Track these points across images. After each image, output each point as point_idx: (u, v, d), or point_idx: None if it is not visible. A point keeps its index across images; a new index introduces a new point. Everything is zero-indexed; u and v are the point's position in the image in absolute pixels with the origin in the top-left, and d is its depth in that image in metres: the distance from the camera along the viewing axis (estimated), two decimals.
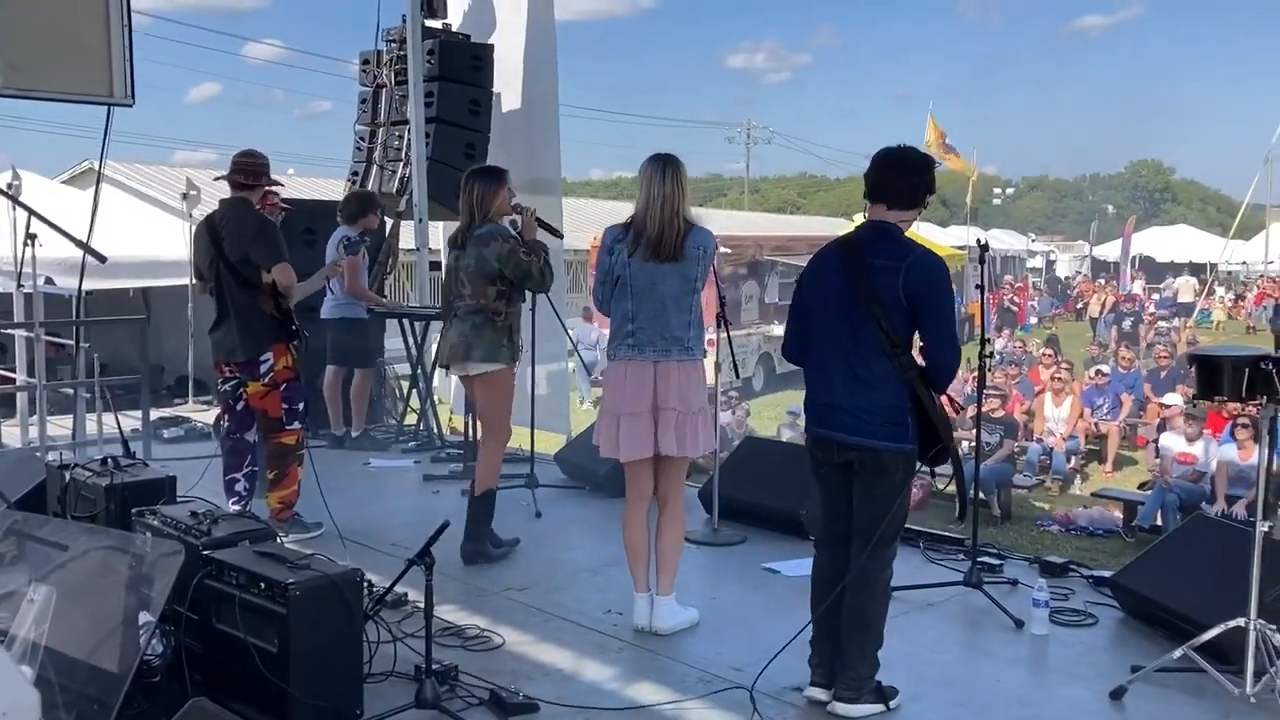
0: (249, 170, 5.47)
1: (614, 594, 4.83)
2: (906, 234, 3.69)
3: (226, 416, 5.61)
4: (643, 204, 4.17)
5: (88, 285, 6.69)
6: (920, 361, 3.58)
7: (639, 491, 4.42)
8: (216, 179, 5.90)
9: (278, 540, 4.04)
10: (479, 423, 5.43)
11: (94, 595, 2.75)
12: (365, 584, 3.67)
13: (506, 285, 5.14)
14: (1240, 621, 3.63)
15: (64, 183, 16.62)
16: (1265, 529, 3.57)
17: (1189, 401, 11.58)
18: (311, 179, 22.94)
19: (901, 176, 3.65)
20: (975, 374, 5.24)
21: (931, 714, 3.77)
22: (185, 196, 9.38)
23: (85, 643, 2.43)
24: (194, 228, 5.80)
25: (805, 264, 3.93)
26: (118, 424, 5.77)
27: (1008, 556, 5.51)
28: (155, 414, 7.78)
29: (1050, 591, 4.66)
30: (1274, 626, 3.62)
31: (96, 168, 18.48)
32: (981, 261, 5.20)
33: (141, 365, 6.95)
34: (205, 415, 8.96)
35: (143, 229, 11.04)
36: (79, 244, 4.15)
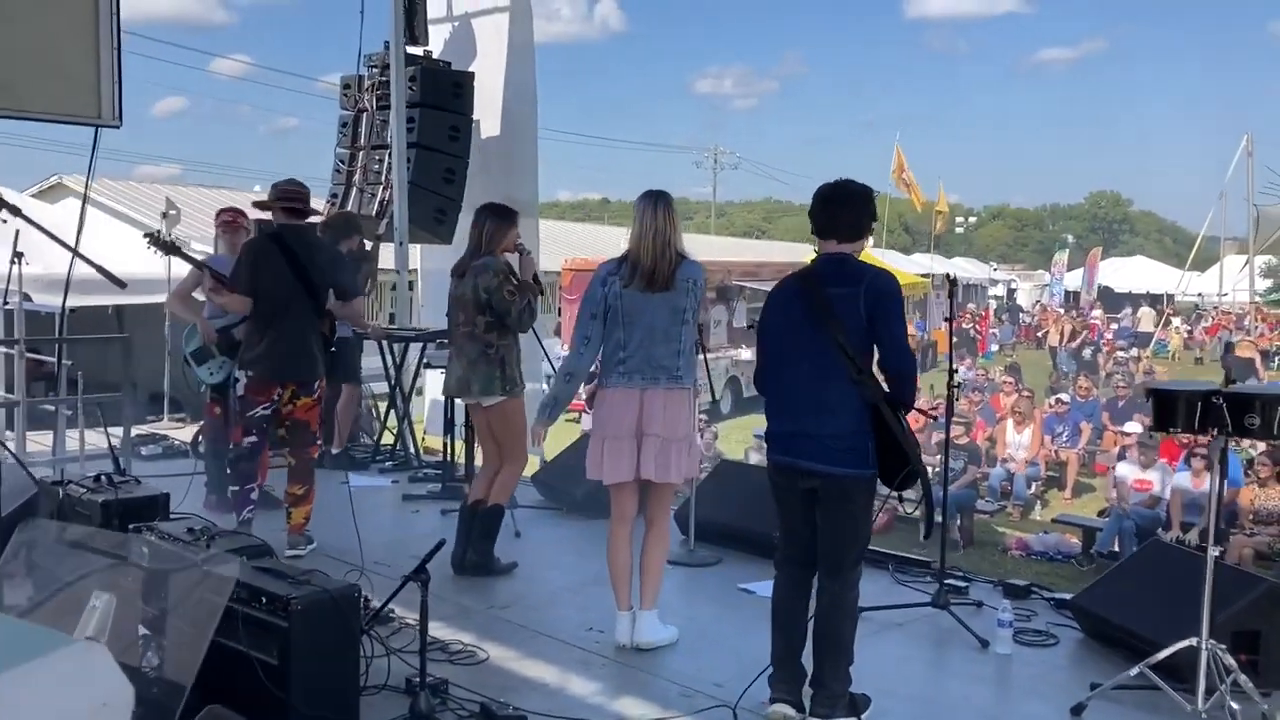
0: (303, 198, 5.71)
1: (595, 612, 4.97)
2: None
3: (252, 439, 5.66)
4: (636, 237, 4.37)
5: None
6: (883, 383, 3.71)
7: (621, 513, 4.60)
8: (256, 204, 6.02)
9: (275, 556, 4.15)
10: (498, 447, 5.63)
11: (152, 604, 2.86)
12: (364, 600, 3.79)
13: (494, 316, 5.36)
14: (1192, 641, 3.83)
15: (33, 196, 16.54)
16: (1217, 554, 3.77)
17: (1146, 431, 11.93)
18: None
19: (846, 211, 3.81)
20: (944, 401, 5.40)
21: None
22: (165, 215, 9.45)
23: (146, 649, 2.55)
24: (242, 243, 5.93)
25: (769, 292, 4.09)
26: (108, 441, 5.84)
27: (973, 579, 5.71)
28: (133, 431, 7.82)
29: (1013, 613, 4.86)
30: (1224, 646, 3.83)
31: (65, 182, 18.35)
32: (950, 295, 5.40)
33: (124, 382, 7.03)
34: (181, 433, 9.03)
35: (118, 246, 11.03)
36: (98, 268, 4.24)
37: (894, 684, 4.31)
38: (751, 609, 5.16)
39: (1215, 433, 3.71)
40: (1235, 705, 3.71)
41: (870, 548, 6.01)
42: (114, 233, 13.69)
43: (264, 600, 3.56)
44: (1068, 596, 5.30)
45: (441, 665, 4.25)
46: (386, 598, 4.07)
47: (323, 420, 5.78)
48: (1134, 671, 3.97)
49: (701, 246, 34.37)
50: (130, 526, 4.28)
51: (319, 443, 5.77)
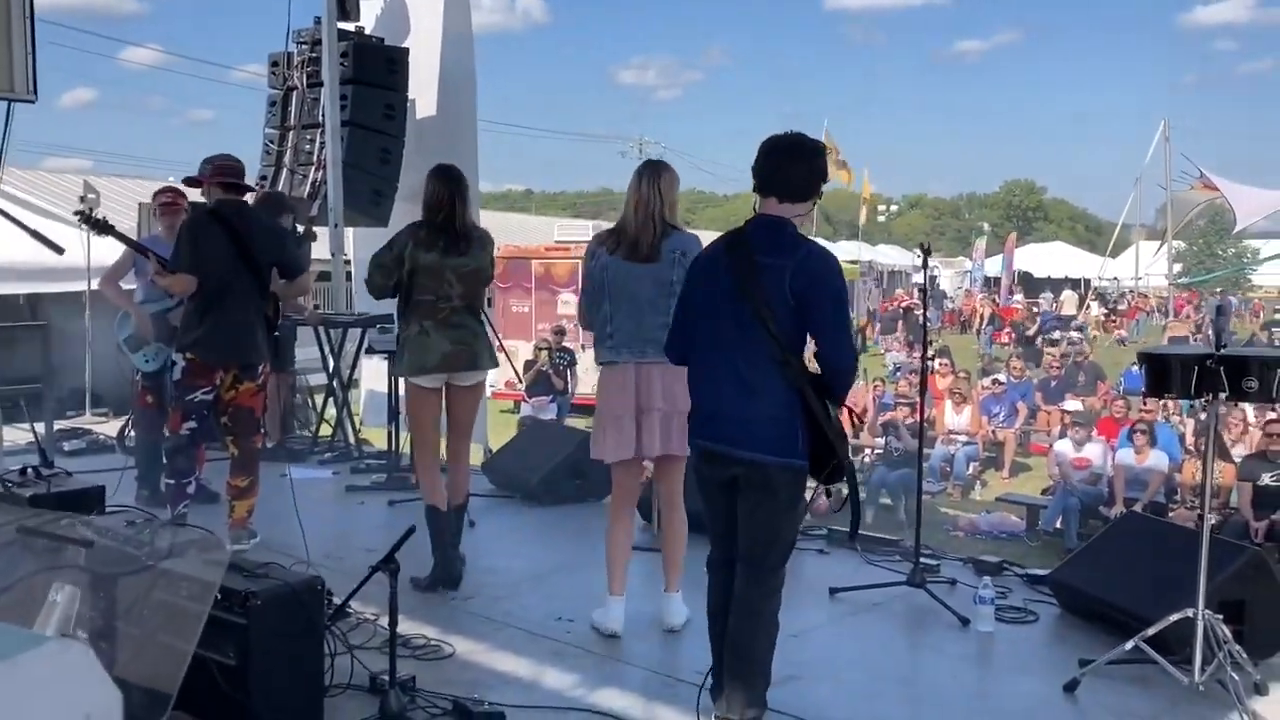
0: (239, 173, 5.38)
1: (560, 601, 4.77)
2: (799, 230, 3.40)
3: (191, 425, 5.28)
4: (628, 208, 4.18)
5: None
6: (814, 368, 3.33)
7: (623, 492, 4.42)
8: (186, 180, 5.64)
9: (224, 549, 3.86)
10: (451, 433, 5.16)
11: (127, 602, 2.58)
12: (326, 593, 3.54)
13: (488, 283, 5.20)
14: (1188, 613, 3.75)
15: None
16: (1214, 521, 3.69)
17: (1085, 409, 12.06)
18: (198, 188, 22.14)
19: (794, 164, 3.35)
20: (917, 378, 5.28)
21: (897, 711, 3.80)
22: (83, 199, 8.95)
23: (119, 653, 2.27)
24: (184, 224, 5.45)
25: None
26: (34, 433, 5.44)
27: (942, 557, 5.62)
28: (55, 425, 7.39)
29: (991, 586, 4.76)
30: (1219, 616, 3.75)
31: None
32: (925, 265, 5.26)
33: (44, 374, 6.62)
34: (105, 427, 8.58)
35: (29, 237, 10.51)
36: (33, 233, 3.89)
37: (880, 666, 4.19)
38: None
39: (1211, 397, 3.62)
40: (1235, 676, 3.63)
41: (835, 528, 5.95)
42: (31, 220, 13.08)
43: (219, 596, 3.29)
44: (1041, 572, 5.23)
45: (406, 661, 3.98)
46: (351, 590, 3.81)
47: (266, 409, 5.42)
48: (1129, 645, 3.87)
49: None
50: (63, 523, 3.98)
51: (264, 431, 5.42)
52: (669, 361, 3.75)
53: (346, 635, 3.98)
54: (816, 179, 3.40)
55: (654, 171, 4.18)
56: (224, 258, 5.16)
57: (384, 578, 3.49)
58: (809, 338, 3.32)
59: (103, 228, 5.29)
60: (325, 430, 8.40)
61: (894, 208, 70.02)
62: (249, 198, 5.78)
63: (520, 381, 12.87)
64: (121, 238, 5.53)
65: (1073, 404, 12.51)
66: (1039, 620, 4.73)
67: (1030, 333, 25.73)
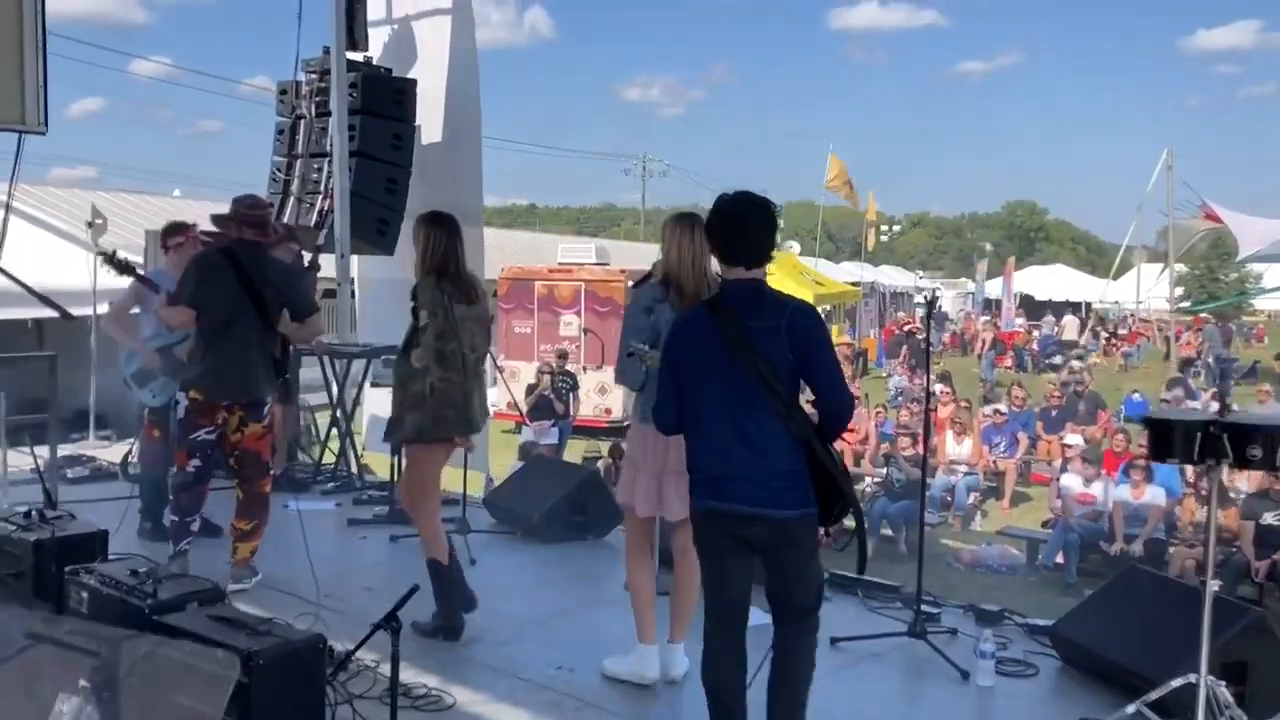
0: (264, 222, 5.40)
1: (561, 649, 4.77)
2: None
3: (196, 463, 5.26)
4: (675, 261, 4.12)
5: None
6: (812, 415, 3.45)
7: (645, 542, 4.41)
8: (214, 219, 5.58)
9: (227, 600, 3.88)
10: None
11: (133, 711, 2.58)
12: (327, 649, 3.55)
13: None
14: (1191, 678, 3.74)
15: None
16: (1216, 586, 3.69)
17: (1087, 444, 12.07)
18: (204, 201, 22.19)
19: (754, 234, 3.47)
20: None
21: None
22: (91, 225, 8.99)
23: None
24: (192, 259, 5.47)
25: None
26: (38, 471, 5.45)
27: (943, 605, 5.61)
28: (59, 452, 7.40)
29: (992, 640, 4.75)
30: (1223, 683, 3.75)
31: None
32: (929, 314, 5.28)
33: (50, 403, 6.62)
34: (108, 452, 8.59)
35: (40, 256, 10.59)
36: (45, 300, 3.92)
37: None
38: None
39: (1214, 463, 3.62)
40: None
41: (837, 572, 5.94)
42: (34, 240, 13.16)
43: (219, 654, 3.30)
44: (1041, 622, 5.22)
45: (408, 713, 3.98)
46: (352, 647, 3.81)
47: (274, 449, 5.42)
48: (1131, 710, 3.86)
49: (628, 253, 34.19)
50: (67, 569, 3.99)
51: (271, 473, 5.42)
52: None
53: (347, 684, 3.99)
54: (772, 240, 3.56)
55: (700, 225, 4.06)
56: (231, 295, 5.17)
57: (389, 635, 3.49)
58: (802, 386, 3.44)
59: (123, 268, 5.36)
60: (329, 457, 8.40)
61: (896, 227, 70.08)
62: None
63: (518, 406, 12.86)
64: (139, 278, 5.57)
65: (1074, 437, 12.48)
66: (1039, 674, 4.72)
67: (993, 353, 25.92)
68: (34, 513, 4.39)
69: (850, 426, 3.52)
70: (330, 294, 8.85)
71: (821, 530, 3.51)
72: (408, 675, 4.37)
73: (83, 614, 3.84)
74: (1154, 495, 9.94)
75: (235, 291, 5.18)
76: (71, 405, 9.89)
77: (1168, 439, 3.73)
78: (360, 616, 4.93)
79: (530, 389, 14.30)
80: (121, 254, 5.61)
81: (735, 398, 3.38)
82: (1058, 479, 11.38)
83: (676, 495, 4.15)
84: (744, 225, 3.47)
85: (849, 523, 3.57)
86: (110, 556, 4.31)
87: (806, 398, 3.47)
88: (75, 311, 9.67)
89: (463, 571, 5.09)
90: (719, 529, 3.46)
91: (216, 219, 5.51)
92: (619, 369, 4.32)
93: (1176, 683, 3.78)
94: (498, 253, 25.89)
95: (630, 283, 17.11)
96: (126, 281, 6.35)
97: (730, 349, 3.37)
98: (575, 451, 13.46)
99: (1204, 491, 10.12)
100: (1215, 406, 13.81)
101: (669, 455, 4.14)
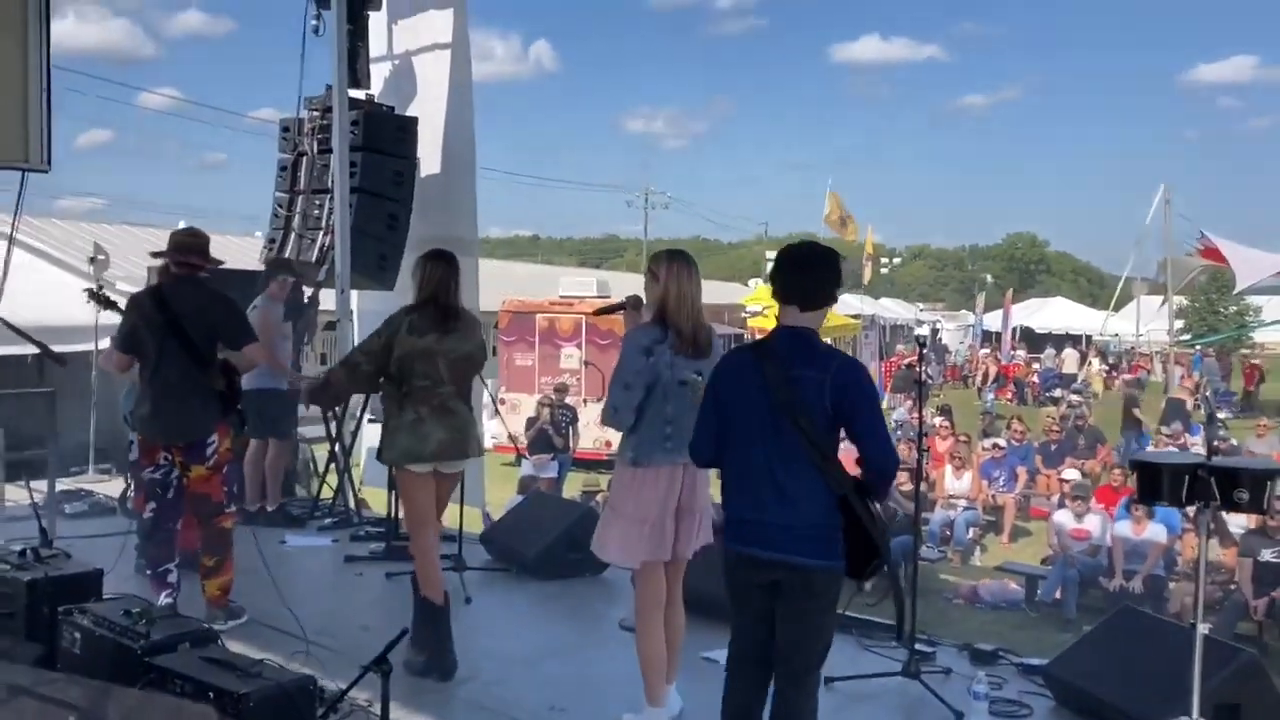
0: (198, 251, 5.32)
1: (554, 689, 4.78)
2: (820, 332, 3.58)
3: (152, 506, 5.23)
4: (674, 302, 4.10)
5: None
6: (853, 470, 3.43)
7: (656, 596, 4.31)
8: (154, 255, 5.67)
9: (219, 641, 3.89)
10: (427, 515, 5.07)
11: None
12: (318, 691, 3.56)
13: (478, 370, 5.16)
14: None
15: None
16: (1205, 630, 3.70)
17: (1082, 478, 12.05)
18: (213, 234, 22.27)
19: (810, 275, 3.53)
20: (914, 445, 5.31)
21: None
22: (93, 261, 9.05)
23: None
24: (129, 298, 5.48)
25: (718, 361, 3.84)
26: (34, 509, 5.46)
27: (938, 643, 5.60)
28: (58, 486, 7.42)
29: (986, 682, 4.75)
30: None
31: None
32: (921, 348, 5.31)
33: (49, 439, 6.65)
34: (107, 486, 8.61)
35: (43, 291, 10.66)
36: (39, 346, 3.96)
37: None
38: (720, 681, 4.95)
39: (1202, 505, 3.65)
40: None
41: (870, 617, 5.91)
42: (37, 274, 13.24)
43: (211, 695, 3.32)
44: (1036, 662, 5.22)
45: None
46: (343, 689, 3.81)
47: (229, 482, 5.43)
48: None
49: (631, 285, 34.34)
50: (60, 609, 4.00)
51: (230, 510, 5.42)
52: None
53: None
54: (831, 287, 3.57)
55: (694, 265, 4.16)
56: (158, 335, 5.14)
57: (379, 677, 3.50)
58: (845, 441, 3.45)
59: (108, 304, 5.38)
60: (326, 492, 8.41)
61: (897, 259, 70.29)
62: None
63: (515, 440, 12.88)
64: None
65: (1071, 472, 12.47)
66: (1033, 714, 4.71)
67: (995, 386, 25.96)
68: (29, 551, 4.39)
69: None
70: (331, 326, 8.92)
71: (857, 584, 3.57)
72: (399, 715, 4.38)
73: (76, 654, 3.86)
74: (1155, 532, 9.93)
75: (155, 326, 5.14)
76: (72, 439, 9.92)
77: (1156, 482, 3.76)
78: (354, 656, 4.92)
79: (530, 422, 14.32)
80: (107, 291, 5.64)
81: (772, 444, 3.42)
82: (1053, 514, 11.38)
83: (660, 539, 4.17)
84: (808, 266, 3.56)
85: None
86: (106, 595, 4.31)
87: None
88: (76, 347, 9.80)
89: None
90: (744, 572, 3.53)
91: (156, 255, 5.56)
92: (607, 409, 4.21)
93: None
94: (499, 283, 25.99)
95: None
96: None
97: (772, 395, 3.42)
98: (575, 485, 13.45)
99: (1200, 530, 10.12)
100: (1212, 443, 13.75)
101: (670, 497, 4.15)
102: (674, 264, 4.16)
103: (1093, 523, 10.43)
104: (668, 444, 4.13)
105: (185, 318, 5.16)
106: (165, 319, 5.13)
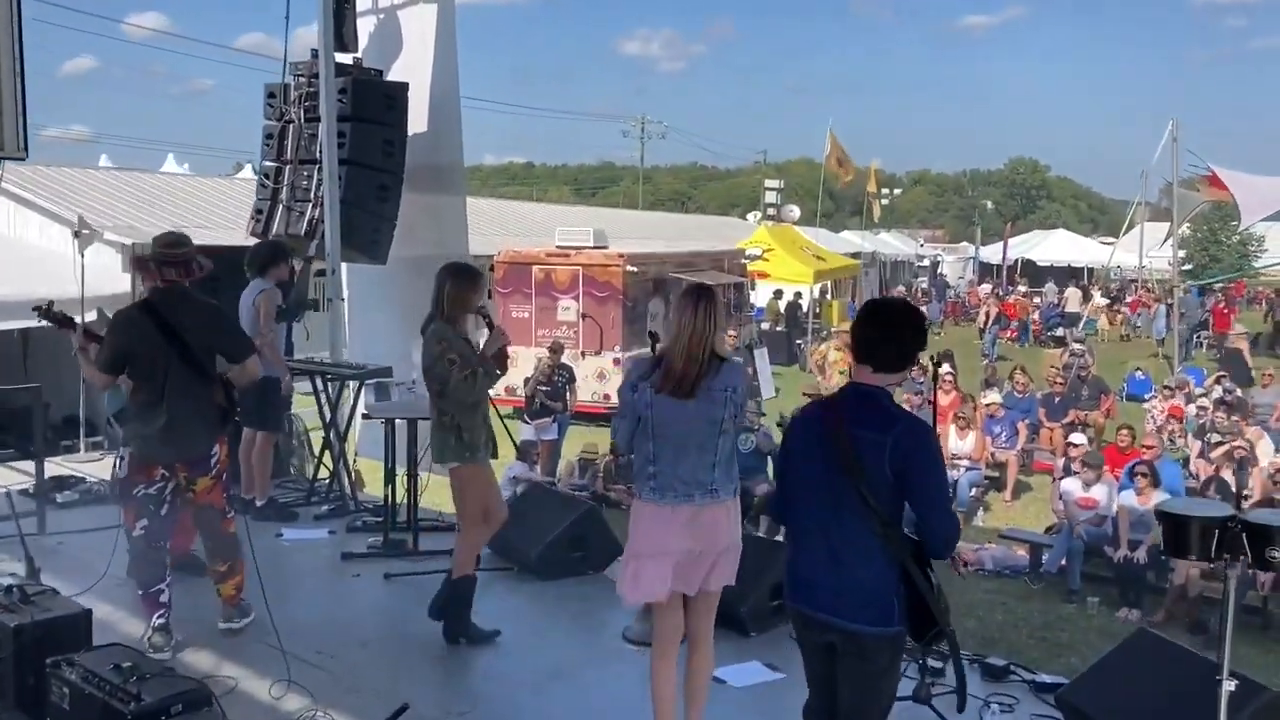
0: (182, 259, 5.07)
1: (559, 711, 4.68)
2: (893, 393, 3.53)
3: (143, 524, 5.02)
4: (671, 340, 3.98)
5: None
6: (911, 534, 3.38)
7: (665, 633, 4.20)
8: (135, 262, 5.46)
9: (213, 703, 3.76)
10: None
11: None
12: None
13: (439, 385, 5.11)
14: None
15: None
16: (1231, 688, 3.58)
17: (1090, 449, 11.93)
18: (194, 176, 21.90)
19: (892, 342, 3.44)
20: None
21: None
22: (77, 235, 8.80)
23: None
24: (112, 317, 5.27)
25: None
26: (21, 539, 5.30)
27: (948, 658, 5.49)
28: (46, 473, 7.27)
29: (997, 702, 4.67)
30: None
31: None
32: (934, 377, 5.12)
33: (37, 436, 6.48)
34: (99, 466, 8.47)
35: (29, 265, 10.43)
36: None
37: None
38: (731, 703, 4.85)
39: (1229, 559, 3.50)
40: None
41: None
42: (23, 223, 12.99)
43: None
44: (1048, 679, 5.14)
45: None
46: None
47: (230, 476, 5.44)
48: None
49: (628, 222, 33.90)
50: (48, 661, 3.87)
51: (231, 515, 5.32)
52: (719, 500, 3.98)
53: None
54: (911, 353, 3.49)
55: (707, 299, 3.97)
56: (153, 350, 4.92)
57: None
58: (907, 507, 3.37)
59: (63, 322, 5.28)
60: (323, 472, 8.27)
61: (898, 190, 69.51)
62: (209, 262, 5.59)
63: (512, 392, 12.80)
64: (86, 333, 5.38)
65: (1079, 436, 12.32)
66: None
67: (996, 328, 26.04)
68: (15, 590, 4.24)
69: None
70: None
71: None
72: None
73: (65, 710, 3.74)
74: (1160, 500, 9.81)
75: (157, 345, 4.92)
76: (61, 411, 9.77)
77: (1184, 536, 3.61)
78: (351, 681, 4.88)
79: (528, 381, 14.15)
80: (59, 309, 5.47)
81: (831, 507, 3.37)
82: (1058, 480, 11.27)
83: (658, 577, 4.06)
84: (891, 330, 3.46)
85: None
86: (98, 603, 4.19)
87: None
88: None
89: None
90: (802, 630, 3.57)
91: (137, 262, 5.37)
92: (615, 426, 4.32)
93: None
94: (493, 224, 25.69)
95: (630, 267, 16.92)
96: (110, 295, 6.18)
97: (833, 454, 3.35)
98: (575, 442, 13.37)
99: (1210, 496, 10.03)
100: (1218, 393, 13.65)
101: (673, 536, 4.02)
102: (685, 300, 4.01)
103: (1100, 492, 10.32)
104: (652, 483, 4.04)
105: (187, 332, 4.98)
106: (166, 338, 4.94)
